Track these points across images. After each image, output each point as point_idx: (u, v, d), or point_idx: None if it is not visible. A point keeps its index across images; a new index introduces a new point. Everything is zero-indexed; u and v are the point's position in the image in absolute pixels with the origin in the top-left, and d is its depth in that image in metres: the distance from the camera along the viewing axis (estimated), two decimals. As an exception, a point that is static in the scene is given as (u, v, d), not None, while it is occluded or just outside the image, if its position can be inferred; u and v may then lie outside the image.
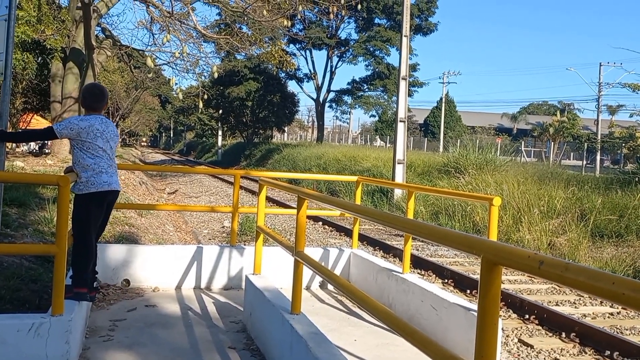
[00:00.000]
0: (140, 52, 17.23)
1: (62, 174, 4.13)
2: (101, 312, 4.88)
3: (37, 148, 22.77)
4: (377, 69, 41.91)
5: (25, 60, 13.87)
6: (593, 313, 6.86)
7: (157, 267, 5.79)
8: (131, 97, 41.28)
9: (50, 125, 4.17)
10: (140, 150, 62.69)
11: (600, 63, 45.27)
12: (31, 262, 5.85)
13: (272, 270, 5.59)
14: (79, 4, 13.41)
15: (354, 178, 6.76)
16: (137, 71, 22.67)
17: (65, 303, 3.51)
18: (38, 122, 26.86)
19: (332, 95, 45.39)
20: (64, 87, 15.28)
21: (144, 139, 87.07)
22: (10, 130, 14.87)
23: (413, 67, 42.02)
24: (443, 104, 53.61)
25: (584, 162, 39.26)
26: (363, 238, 10.86)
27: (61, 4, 15.99)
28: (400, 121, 16.44)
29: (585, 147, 41.89)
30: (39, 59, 16.38)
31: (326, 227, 13.01)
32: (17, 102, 16.52)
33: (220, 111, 45.57)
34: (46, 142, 19.19)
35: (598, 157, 40.63)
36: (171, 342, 4.28)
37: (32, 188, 9.26)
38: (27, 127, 21.39)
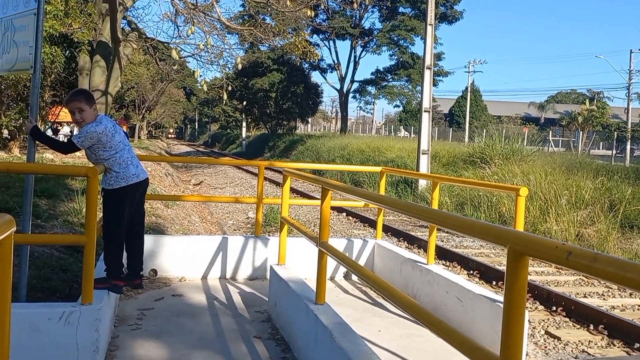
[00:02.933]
0: (165, 44, 17.35)
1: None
2: (129, 301, 4.97)
3: (65, 140, 23.14)
4: (401, 59, 41.56)
5: (54, 53, 14.10)
6: (622, 305, 6.74)
7: (183, 257, 5.87)
8: (157, 89, 41.72)
9: (71, 139, 4.21)
10: (166, 142, 63.41)
11: (630, 50, 44.25)
12: (61, 252, 5.97)
13: (297, 260, 5.62)
14: (105, -2, 13.55)
15: (378, 169, 6.73)
16: (162, 63, 22.85)
17: (94, 292, 3.58)
18: (66, 115, 27.35)
19: (355, 85, 45.25)
20: (92, 80, 15.47)
21: (171, 131, 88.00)
22: (40, 124, 15.16)
23: (438, 57, 41.57)
24: (468, 93, 52.94)
25: (614, 152, 38.52)
26: (387, 229, 10.82)
27: (87, -3, 16.17)
28: (425, 111, 16.30)
29: (615, 137, 41.06)
30: (67, 52, 16.62)
31: (350, 217, 13.01)
32: (46, 95, 16.81)
33: (244, 103, 45.78)
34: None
35: (628, 147, 39.79)
36: (198, 331, 4.34)
37: (62, 180, 9.45)
38: (56, 120, 21.75)
